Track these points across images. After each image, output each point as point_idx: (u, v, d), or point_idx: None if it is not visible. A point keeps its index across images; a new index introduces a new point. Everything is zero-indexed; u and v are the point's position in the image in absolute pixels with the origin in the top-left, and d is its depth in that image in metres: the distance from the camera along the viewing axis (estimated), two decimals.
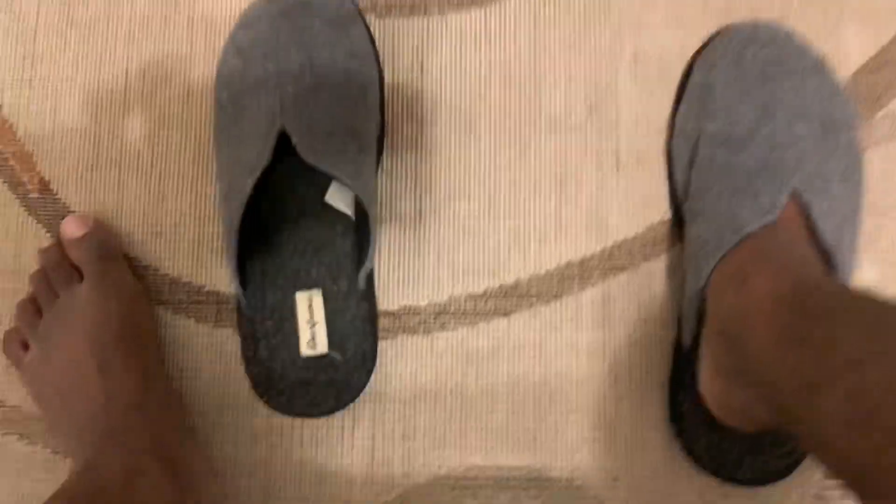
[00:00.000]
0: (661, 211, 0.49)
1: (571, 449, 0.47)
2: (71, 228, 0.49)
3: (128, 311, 0.48)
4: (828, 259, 0.41)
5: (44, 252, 0.50)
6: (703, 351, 0.43)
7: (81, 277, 0.49)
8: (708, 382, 0.42)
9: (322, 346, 0.47)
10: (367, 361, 0.47)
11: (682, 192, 0.46)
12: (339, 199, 0.48)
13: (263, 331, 0.48)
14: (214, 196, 0.51)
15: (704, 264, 0.41)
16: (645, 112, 0.50)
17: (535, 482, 0.47)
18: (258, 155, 0.43)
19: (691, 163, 0.45)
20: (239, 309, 0.48)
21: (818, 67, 0.45)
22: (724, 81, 0.45)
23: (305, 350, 0.47)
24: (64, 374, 0.46)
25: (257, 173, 0.43)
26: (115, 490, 0.41)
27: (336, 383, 0.47)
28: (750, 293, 0.38)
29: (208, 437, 0.49)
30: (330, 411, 0.47)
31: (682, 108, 0.48)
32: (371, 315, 0.48)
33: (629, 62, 0.51)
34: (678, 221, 0.48)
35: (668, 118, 0.50)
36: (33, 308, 0.49)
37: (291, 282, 0.48)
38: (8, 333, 0.49)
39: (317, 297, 0.48)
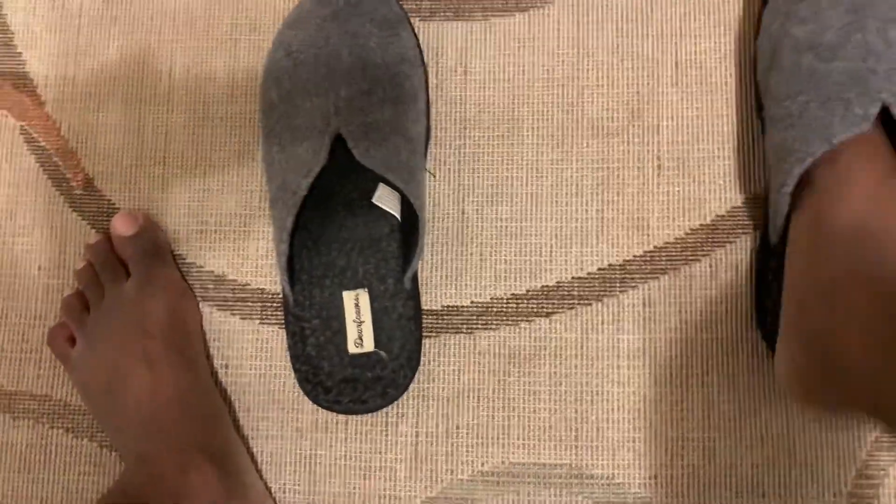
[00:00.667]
0: (701, 215, 0.50)
1: (613, 448, 0.48)
2: (121, 226, 0.49)
3: (174, 308, 0.49)
4: None
5: (91, 248, 0.50)
6: (782, 329, 0.42)
7: (129, 274, 0.49)
8: (786, 373, 0.42)
9: (369, 345, 0.48)
10: (412, 359, 0.48)
11: (763, 92, 0.46)
12: (386, 200, 0.49)
13: (311, 329, 0.48)
14: (261, 194, 0.52)
15: (790, 171, 0.42)
16: (686, 118, 0.51)
17: (577, 479, 0.48)
18: (314, 156, 0.44)
19: (772, 65, 0.45)
20: (286, 307, 0.49)
21: None
22: None
23: (352, 348, 0.48)
24: (111, 370, 0.47)
25: (313, 174, 0.44)
26: (169, 483, 0.42)
27: (382, 381, 0.48)
28: (840, 298, 0.38)
29: (253, 432, 0.50)
30: (376, 408, 0.48)
31: (770, 4, 0.47)
32: (416, 314, 0.49)
33: (671, 68, 0.51)
34: (760, 115, 0.49)
35: (743, 25, 0.51)
36: (80, 304, 0.49)
37: (338, 281, 0.49)
38: (54, 329, 0.50)
39: (363, 297, 0.48)
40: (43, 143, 0.53)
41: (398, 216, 0.49)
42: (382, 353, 0.48)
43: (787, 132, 0.43)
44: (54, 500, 0.50)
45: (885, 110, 0.41)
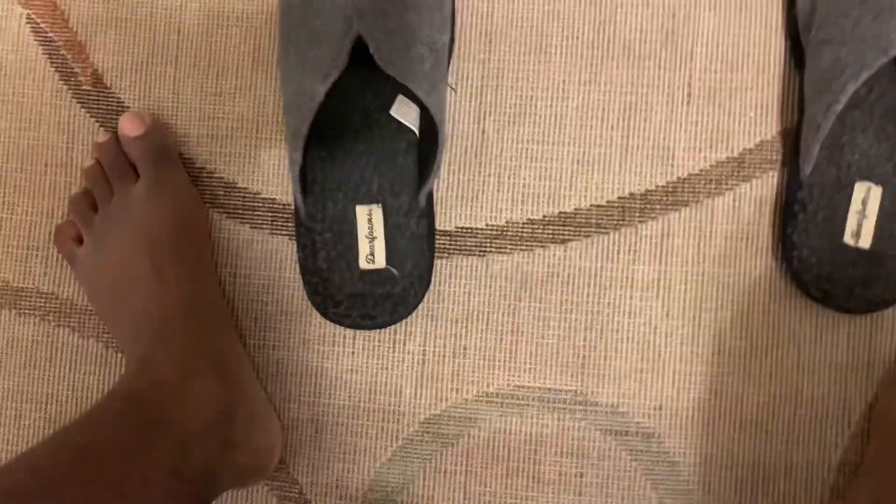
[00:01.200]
0: (729, 147, 0.48)
1: (619, 377, 0.48)
2: (128, 126, 0.48)
3: (183, 213, 0.48)
4: None
5: (100, 146, 0.49)
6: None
7: (137, 175, 0.48)
8: None
9: (380, 261, 0.47)
10: (423, 278, 0.48)
11: (806, 22, 0.46)
12: (404, 113, 0.47)
13: (322, 242, 0.47)
14: (276, 99, 0.50)
15: (843, 87, 0.41)
16: (722, 45, 0.49)
17: (581, 405, 0.48)
18: (333, 59, 0.42)
19: None
20: (298, 218, 0.48)
21: None
22: None
23: (364, 264, 0.47)
24: (118, 272, 0.46)
25: (331, 79, 0.42)
26: (171, 387, 0.42)
27: (392, 298, 0.47)
28: None
29: (260, 342, 0.50)
30: (384, 325, 0.48)
31: None
32: (429, 233, 0.48)
33: None
34: (796, 54, 0.48)
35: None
36: (88, 202, 0.48)
37: (352, 195, 0.47)
38: (61, 227, 0.49)
39: (377, 212, 0.47)
40: (50, 34, 0.51)
41: (416, 131, 0.48)
42: (393, 270, 0.47)
43: (838, 50, 0.42)
44: (59, 397, 0.50)
45: None
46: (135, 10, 0.51)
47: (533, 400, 0.48)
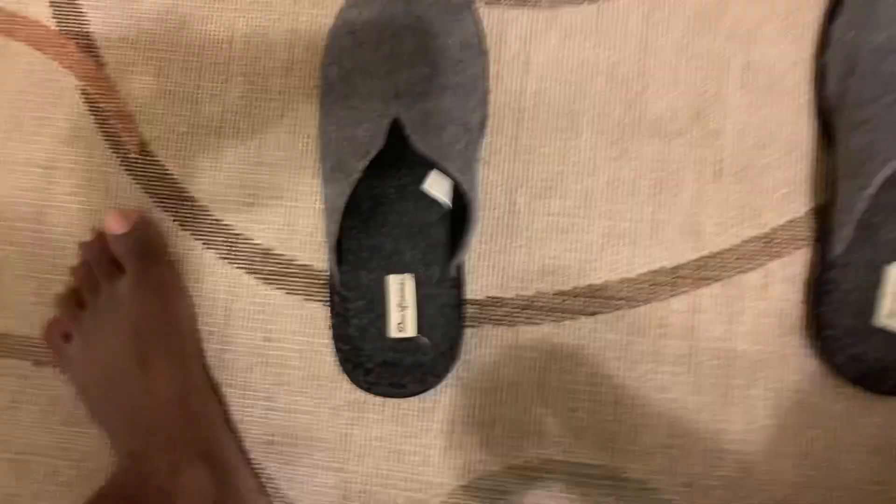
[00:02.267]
0: (758, 225, 0.49)
1: (648, 452, 0.48)
2: (114, 224, 0.49)
3: (168, 307, 0.49)
4: None
5: (86, 245, 0.51)
6: None
7: (123, 272, 0.49)
8: None
9: (411, 330, 0.48)
10: (453, 348, 0.48)
11: (837, 104, 0.46)
12: (437, 187, 0.49)
13: (355, 310, 0.48)
14: (313, 171, 0.52)
15: (874, 172, 0.42)
16: (751, 124, 0.49)
17: (610, 481, 0.48)
18: (371, 138, 0.43)
19: (850, 73, 0.46)
20: (332, 286, 0.49)
21: None
22: None
23: (394, 332, 0.48)
24: (106, 367, 0.47)
25: (370, 157, 0.43)
26: (161, 482, 0.43)
27: (421, 367, 0.48)
28: None
29: (290, 405, 0.50)
30: (413, 393, 0.48)
31: (841, 19, 0.47)
32: (459, 303, 0.49)
33: (740, 71, 0.50)
34: (826, 133, 0.48)
35: (818, 34, 0.49)
36: (75, 300, 0.50)
37: (385, 264, 0.49)
38: (50, 324, 0.50)
39: (409, 282, 0.48)
40: (101, 105, 0.54)
41: (449, 204, 0.49)
42: (424, 340, 0.48)
43: (870, 135, 0.43)
44: (96, 454, 0.51)
45: None
46: (181, 83, 0.53)
47: (561, 474, 0.48)
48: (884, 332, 0.45)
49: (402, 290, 0.48)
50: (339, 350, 0.49)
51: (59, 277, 0.53)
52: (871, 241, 0.45)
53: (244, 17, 0.53)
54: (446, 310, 0.48)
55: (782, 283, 0.48)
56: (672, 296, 0.49)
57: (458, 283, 0.49)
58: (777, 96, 0.49)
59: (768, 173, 0.49)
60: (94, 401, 0.48)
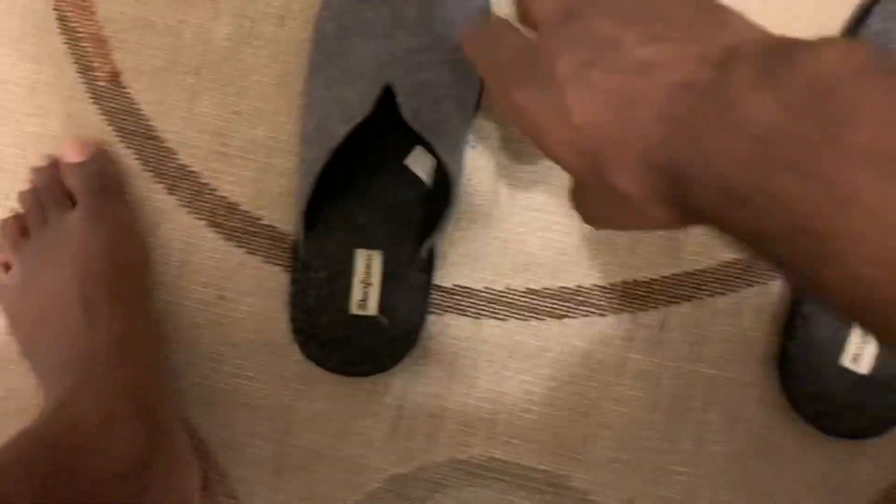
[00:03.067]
0: (737, 250, 0.48)
1: (595, 463, 0.47)
2: (70, 152, 0.46)
3: (119, 248, 0.46)
4: None
5: (37, 171, 0.47)
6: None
7: (74, 204, 0.46)
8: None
9: (372, 309, 0.46)
10: (412, 332, 0.46)
11: None
12: (419, 164, 0.47)
13: (316, 280, 0.46)
14: (292, 128, 0.49)
15: None
16: None
17: (553, 488, 0.47)
18: (359, 104, 0.41)
19: None
20: (295, 252, 0.47)
21: None
22: None
23: (354, 309, 0.46)
24: (45, 304, 0.44)
25: (355, 122, 0.41)
26: (88, 433, 0.40)
27: (378, 348, 0.46)
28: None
29: (235, 369, 0.48)
30: (366, 374, 0.46)
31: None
32: (426, 287, 0.47)
33: None
34: None
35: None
36: (18, 228, 0.47)
37: (354, 237, 0.46)
38: None
39: (376, 259, 0.46)
40: (75, 24, 0.50)
41: (429, 184, 0.47)
42: (384, 320, 0.46)
43: None
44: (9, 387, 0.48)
45: None
46: (164, 14, 0.50)
47: (505, 475, 0.47)
48: (847, 374, 0.44)
49: (368, 266, 0.46)
50: (294, 319, 0.46)
51: (5, 202, 0.49)
52: None
53: None
54: (412, 292, 0.46)
55: (754, 311, 0.47)
56: (642, 309, 0.48)
57: (428, 266, 0.47)
58: None
59: None
60: (26, 337, 0.45)
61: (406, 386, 0.48)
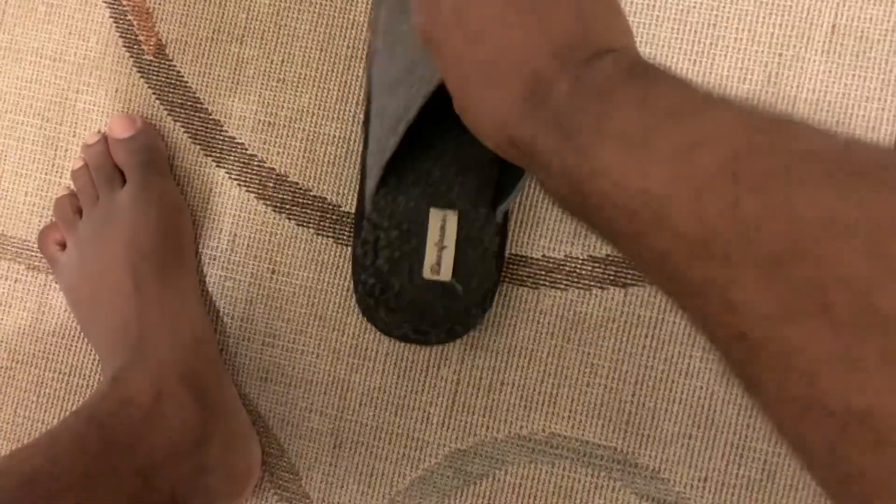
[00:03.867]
0: None
1: (665, 439, 0.44)
2: (118, 128, 0.46)
3: (168, 224, 0.45)
4: None
5: (88, 148, 0.47)
6: None
7: (124, 181, 0.46)
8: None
9: (446, 273, 0.44)
10: (486, 300, 0.44)
11: None
12: None
13: (387, 240, 0.44)
14: (339, 94, 0.47)
15: None
16: (831, 93, 0.44)
17: (620, 465, 0.44)
18: (433, 71, 0.38)
19: None
20: (361, 211, 0.44)
21: None
22: None
23: (427, 273, 0.44)
24: (98, 281, 0.44)
25: (431, 87, 0.38)
26: (141, 409, 0.40)
27: (451, 315, 0.44)
28: None
29: (290, 343, 0.47)
30: (436, 342, 0.44)
31: None
32: (500, 253, 0.44)
33: (825, 33, 0.44)
34: None
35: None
36: (73, 206, 0.47)
37: (429, 194, 0.44)
38: (45, 230, 0.47)
39: (451, 219, 0.44)
40: None
41: None
42: (458, 286, 0.44)
43: None
44: (84, 370, 0.49)
45: None
46: None
47: (568, 451, 0.45)
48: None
49: (443, 227, 0.44)
50: (361, 283, 0.44)
51: (59, 179, 0.49)
52: None
53: None
54: (486, 257, 0.44)
55: None
56: None
57: (502, 230, 0.44)
58: (863, 66, 0.44)
59: None
60: (83, 315, 0.46)
61: (462, 359, 0.46)
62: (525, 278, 0.46)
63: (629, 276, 0.45)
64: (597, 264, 0.45)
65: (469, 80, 0.29)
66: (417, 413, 0.46)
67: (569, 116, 0.26)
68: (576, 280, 0.45)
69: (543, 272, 0.46)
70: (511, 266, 0.46)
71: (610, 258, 0.45)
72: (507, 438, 0.45)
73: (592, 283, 0.45)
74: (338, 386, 0.47)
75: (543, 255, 0.46)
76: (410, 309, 0.44)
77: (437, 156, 0.44)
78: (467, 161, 0.44)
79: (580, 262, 0.45)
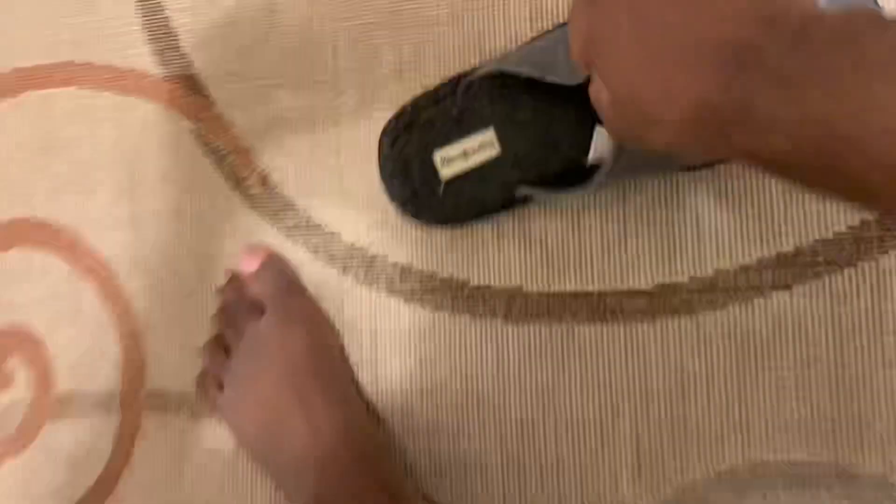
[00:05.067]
0: None
1: (882, 441, 0.40)
2: (245, 263, 0.47)
3: (315, 339, 0.46)
4: None
5: (221, 290, 0.49)
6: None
7: (263, 311, 0.47)
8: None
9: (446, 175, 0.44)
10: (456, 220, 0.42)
11: None
12: (599, 141, 0.43)
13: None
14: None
15: None
16: None
17: (838, 480, 0.40)
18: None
19: None
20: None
21: None
22: None
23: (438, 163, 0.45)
24: (264, 411, 0.45)
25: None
26: None
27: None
28: None
29: (454, 431, 0.46)
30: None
31: None
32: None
33: None
34: None
35: None
36: (220, 347, 0.48)
37: (504, 131, 0.44)
38: (201, 377, 0.49)
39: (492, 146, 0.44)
40: (218, 143, 0.52)
41: (592, 161, 0.43)
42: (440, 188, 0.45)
43: None
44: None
45: None
46: (293, 104, 0.51)
47: (777, 477, 0.41)
48: None
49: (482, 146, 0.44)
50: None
51: (202, 326, 0.51)
52: None
53: (344, 24, 0.50)
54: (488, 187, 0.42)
55: None
56: (883, 251, 0.41)
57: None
58: None
59: None
60: (256, 449, 0.46)
61: (636, 408, 0.44)
62: (678, 306, 0.44)
63: (790, 276, 0.42)
64: (751, 273, 0.43)
65: (646, 82, 0.29)
66: (604, 477, 0.44)
67: (809, 66, 0.25)
68: (732, 294, 0.43)
69: (696, 294, 0.43)
70: (659, 298, 0.44)
71: (763, 262, 0.42)
72: (706, 479, 0.42)
73: (752, 293, 0.43)
74: (509, 464, 0.45)
75: (691, 278, 0.44)
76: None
77: (531, 116, 0.45)
78: (549, 138, 0.44)
79: (732, 274, 0.43)
